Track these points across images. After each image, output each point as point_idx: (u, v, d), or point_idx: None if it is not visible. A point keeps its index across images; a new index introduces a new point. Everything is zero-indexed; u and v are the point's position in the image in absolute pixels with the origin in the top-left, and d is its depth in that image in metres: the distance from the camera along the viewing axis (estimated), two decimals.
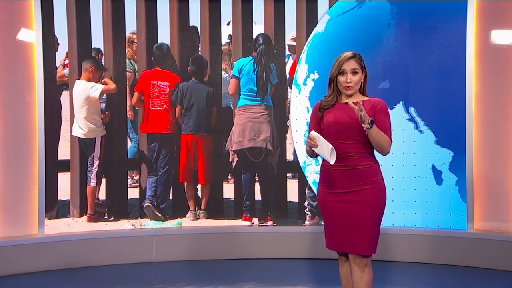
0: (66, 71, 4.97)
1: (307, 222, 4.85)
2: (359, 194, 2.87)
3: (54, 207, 4.82)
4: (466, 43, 4.46)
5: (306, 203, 4.89)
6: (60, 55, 4.94)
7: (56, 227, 4.71)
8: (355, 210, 2.87)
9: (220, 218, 4.98)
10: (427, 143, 4.66)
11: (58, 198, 4.88)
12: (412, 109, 4.65)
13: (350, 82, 2.89)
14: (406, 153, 4.65)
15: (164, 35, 4.98)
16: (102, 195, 4.97)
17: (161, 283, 4.12)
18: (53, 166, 4.76)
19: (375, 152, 2.96)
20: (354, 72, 2.91)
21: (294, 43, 5.10)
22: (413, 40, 4.58)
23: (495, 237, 4.36)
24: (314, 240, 4.58)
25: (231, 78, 4.88)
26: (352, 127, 2.88)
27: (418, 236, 4.52)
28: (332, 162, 2.80)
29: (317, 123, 2.99)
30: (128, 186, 5.08)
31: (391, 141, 2.90)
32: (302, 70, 4.79)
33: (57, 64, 4.88)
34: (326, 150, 2.79)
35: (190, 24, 5.06)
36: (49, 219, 4.75)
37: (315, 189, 4.62)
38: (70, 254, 4.43)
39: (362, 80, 2.95)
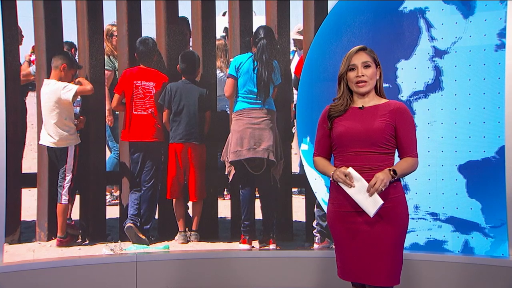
0: (33, 68, 4.85)
1: (315, 246, 4.63)
2: (377, 214, 2.69)
3: (16, 230, 4.67)
4: (506, 41, 4.06)
5: (314, 223, 4.66)
6: (25, 50, 4.91)
7: (19, 253, 4.48)
8: (372, 233, 2.72)
9: (215, 241, 4.81)
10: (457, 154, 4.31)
11: (22, 219, 4.76)
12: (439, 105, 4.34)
13: (363, 75, 2.77)
14: (432, 165, 4.33)
15: (149, 28, 4.87)
16: (75, 214, 4.84)
17: None
18: (16, 180, 4.62)
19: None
20: (366, 66, 2.79)
21: (301, 37, 4.98)
22: None
23: None
24: (324, 266, 4.31)
25: (228, 77, 4.68)
26: (368, 136, 2.74)
27: (448, 264, 4.18)
28: (371, 215, 2.68)
29: (325, 133, 2.86)
30: (107, 204, 4.96)
31: (417, 156, 2.80)
32: None
33: (21, 60, 4.79)
34: (370, 202, 2.66)
35: (180, 15, 4.93)
36: (10, 244, 4.57)
37: (325, 207, 4.42)
38: (36, 286, 4.08)
39: (378, 77, 2.82)
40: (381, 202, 2.64)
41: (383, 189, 2.65)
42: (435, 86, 4.25)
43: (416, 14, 4.25)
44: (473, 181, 4.22)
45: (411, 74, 4.28)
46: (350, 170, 2.69)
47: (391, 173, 2.68)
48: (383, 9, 4.37)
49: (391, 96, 4.05)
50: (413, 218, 4.15)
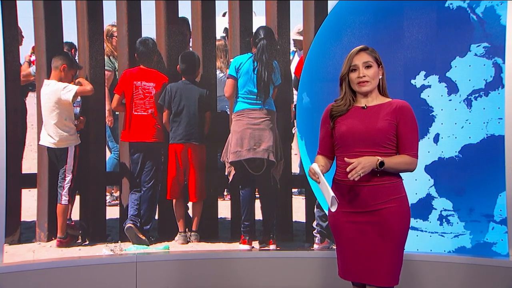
0: (33, 69, 4.85)
1: (315, 246, 4.62)
2: (379, 214, 2.70)
3: (16, 230, 4.65)
4: (506, 40, 4.00)
5: (314, 224, 4.65)
6: (25, 50, 4.92)
7: (19, 254, 4.47)
8: (374, 233, 2.71)
9: (215, 241, 4.79)
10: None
11: (22, 219, 4.75)
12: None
13: (364, 76, 2.75)
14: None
15: (149, 28, 4.85)
16: (75, 215, 4.81)
17: None
18: (16, 181, 4.60)
19: None
20: (368, 66, 2.77)
21: (301, 38, 4.96)
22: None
23: None
24: (324, 267, 4.30)
25: (228, 78, 4.67)
26: (370, 136, 2.72)
27: (449, 264, 4.16)
28: (333, 209, 2.68)
29: (327, 133, 2.84)
30: (107, 204, 4.96)
31: (417, 157, 2.75)
32: None
33: (22, 61, 4.77)
34: (327, 194, 2.67)
35: (180, 15, 4.91)
36: (10, 244, 4.56)
37: (325, 207, 4.40)
38: (36, 287, 4.08)
39: (380, 76, 2.80)
40: (331, 194, 2.61)
41: (361, 174, 2.60)
42: (495, 83, 4.10)
43: (466, 9, 4.13)
44: None
45: (468, 72, 4.14)
46: (313, 166, 2.70)
47: (377, 163, 2.63)
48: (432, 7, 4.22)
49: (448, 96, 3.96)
50: (466, 221, 4.09)
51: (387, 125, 2.71)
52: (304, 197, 4.91)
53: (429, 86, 4.21)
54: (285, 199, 4.82)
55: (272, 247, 4.63)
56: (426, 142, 4.18)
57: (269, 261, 4.44)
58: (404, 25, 4.34)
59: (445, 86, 4.17)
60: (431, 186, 4.24)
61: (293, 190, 5.00)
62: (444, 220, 4.16)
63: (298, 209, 4.91)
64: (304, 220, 4.83)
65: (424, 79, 4.23)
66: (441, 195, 4.25)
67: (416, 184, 4.20)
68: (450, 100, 4.12)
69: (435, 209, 4.23)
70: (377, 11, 4.35)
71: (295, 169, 5.15)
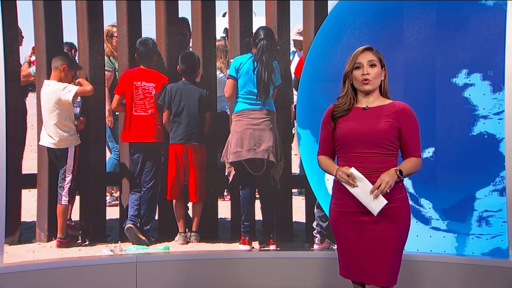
0: (33, 69, 4.84)
1: (315, 246, 4.61)
2: (380, 214, 2.69)
3: (16, 231, 4.65)
4: (506, 37, 4.00)
5: (314, 224, 4.64)
6: (25, 50, 4.92)
7: (19, 254, 4.47)
8: (374, 233, 2.72)
9: (215, 242, 4.79)
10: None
11: (22, 220, 4.75)
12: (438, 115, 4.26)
13: (368, 74, 2.75)
14: None
15: (149, 28, 4.85)
16: (75, 215, 4.82)
17: None
18: (16, 181, 4.59)
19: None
20: (372, 65, 2.77)
21: (301, 38, 4.95)
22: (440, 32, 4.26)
23: None
24: (324, 267, 4.29)
25: (228, 78, 4.65)
26: (372, 137, 2.73)
27: (449, 264, 4.17)
28: (375, 214, 2.68)
29: (329, 133, 2.84)
30: (107, 205, 4.96)
31: (421, 157, 2.79)
32: None
33: (22, 61, 4.77)
34: (374, 202, 2.66)
35: (180, 16, 4.91)
36: (10, 244, 4.55)
37: (325, 208, 4.37)
38: (36, 287, 4.08)
39: (382, 78, 2.80)
40: (385, 202, 2.64)
41: (388, 191, 2.63)
42: None
43: (502, 6, 4.01)
44: None
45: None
46: (353, 170, 2.68)
47: (397, 173, 2.67)
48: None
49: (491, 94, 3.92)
50: (505, 222, 4.00)
51: (388, 126, 2.72)
52: (304, 197, 4.90)
53: (472, 85, 4.10)
54: (285, 199, 4.80)
55: (272, 247, 4.62)
56: (469, 140, 4.11)
57: (269, 261, 4.43)
58: (404, 26, 4.31)
59: (489, 84, 4.06)
60: (471, 187, 4.15)
61: (293, 190, 4.99)
62: (483, 221, 4.08)
63: (298, 209, 4.89)
64: (304, 221, 4.82)
65: (466, 77, 4.12)
66: (482, 195, 4.16)
67: (456, 184, 4.15)
68: (495, 98, 4.04)
69: (476, 210, 4.14)
70: (377, 12, 4.33)
71: (295, 169, 5.14)
